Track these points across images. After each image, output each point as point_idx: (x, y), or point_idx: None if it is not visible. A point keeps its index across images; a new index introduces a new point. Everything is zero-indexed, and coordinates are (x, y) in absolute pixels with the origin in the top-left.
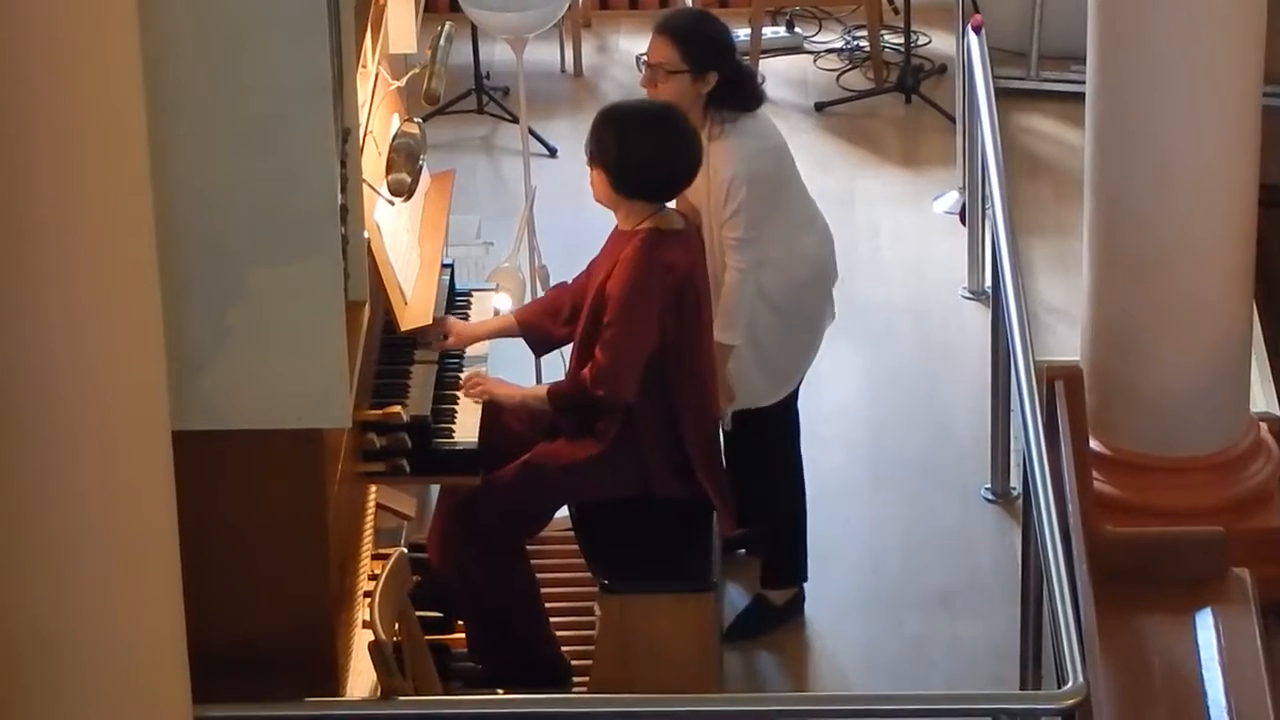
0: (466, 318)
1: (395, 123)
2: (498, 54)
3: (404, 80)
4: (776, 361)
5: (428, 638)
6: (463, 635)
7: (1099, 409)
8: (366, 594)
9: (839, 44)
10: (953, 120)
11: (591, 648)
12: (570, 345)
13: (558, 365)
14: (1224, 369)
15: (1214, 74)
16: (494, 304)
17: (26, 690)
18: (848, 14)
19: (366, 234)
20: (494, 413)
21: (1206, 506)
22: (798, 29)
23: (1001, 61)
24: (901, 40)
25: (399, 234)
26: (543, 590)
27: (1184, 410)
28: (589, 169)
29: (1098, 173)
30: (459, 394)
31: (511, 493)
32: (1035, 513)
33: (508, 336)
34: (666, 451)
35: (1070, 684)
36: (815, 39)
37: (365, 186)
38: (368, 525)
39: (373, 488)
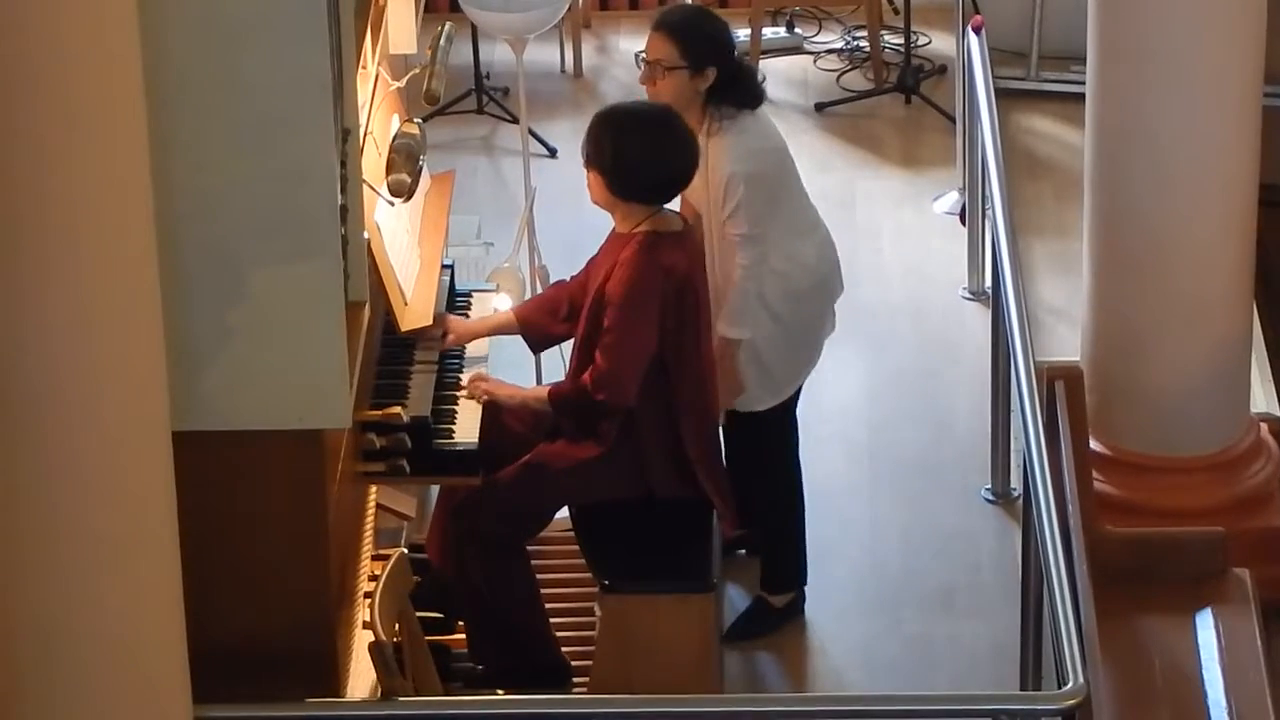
0: (466, 318)
1: (395, 123)
2: (498, 54)
3: (404, 81)
4: (772, 370)
5: (428, 638)
6: (463, 636)
7: (1099, 409)
8: (367, 594)
9: (839, 44)
10: (953, 121)
11: (591, 648)
12: (569, 342)
13: (558, 365)
14: (1224, 369)
15: (1214, 74)
16: (494, 304)
17: (27, 691)
18: (848, 14)
19: (367, 234)
20: (494, 413)
21: (1207, 506)
22: (798, 29)
23: (1001, 62)
24: (901, 40)
25: (399, 234)
26: (543, 590)
27: (1184, 410)
28: (585, 171)
29: (1098, 173)
30: (459, 394)
31: (512, 493)
32: (1035, 513)
33: (506, 334)
34: (667, 452)
35: (1070, 684)
36: (815, 39)
37: (365, 187)
38: (368, 526)
39: (373, 488)
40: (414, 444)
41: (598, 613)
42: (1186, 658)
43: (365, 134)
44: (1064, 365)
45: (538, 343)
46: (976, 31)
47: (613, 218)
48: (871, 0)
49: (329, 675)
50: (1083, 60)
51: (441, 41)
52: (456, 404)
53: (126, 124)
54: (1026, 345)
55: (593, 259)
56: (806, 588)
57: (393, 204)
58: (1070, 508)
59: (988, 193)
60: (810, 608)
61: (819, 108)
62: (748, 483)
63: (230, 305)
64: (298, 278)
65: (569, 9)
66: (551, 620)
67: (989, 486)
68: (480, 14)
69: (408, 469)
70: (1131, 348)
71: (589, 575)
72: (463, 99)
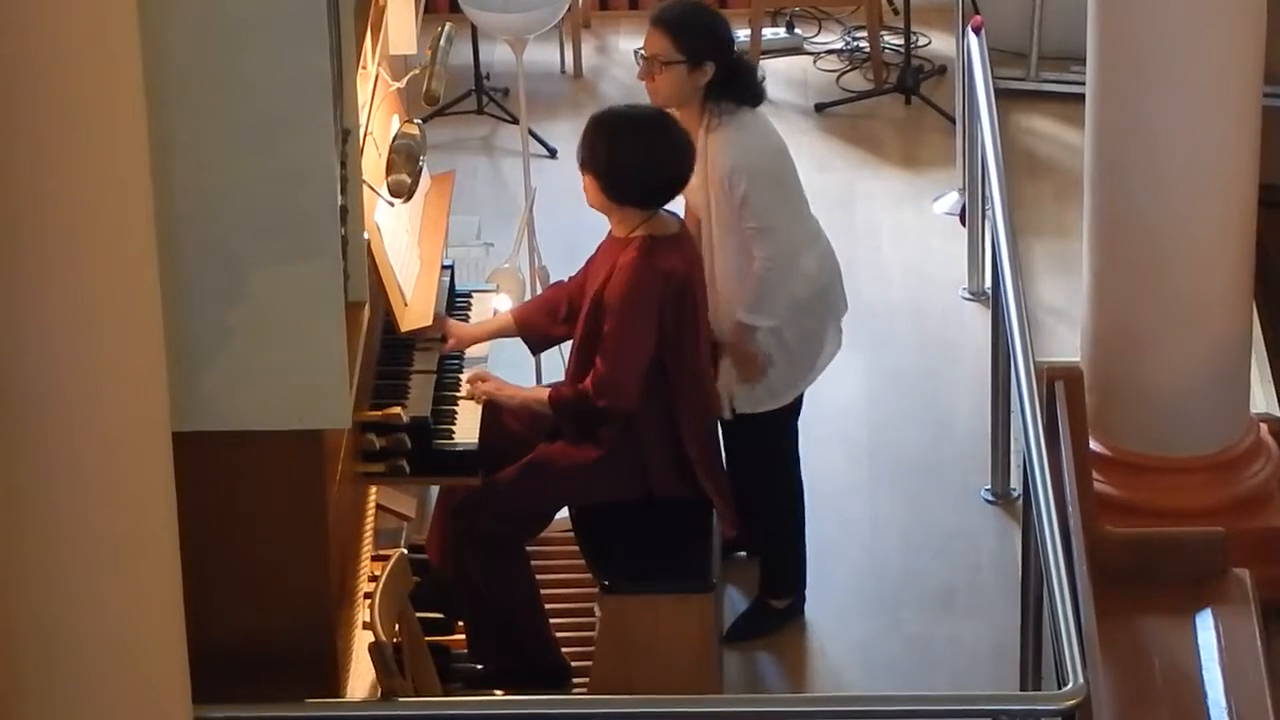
0: (466, 319)
1: (395, 124)
2: (498, 55)
3: (404, 81)
4: (769, 379)
5: (428, 639)
6: (463, 636)
7: (1099, 409)
8: (367, 595)
9: (839, 45)
10: (953, 121)
11: (591, 648)
12: (568, 343)
13: (558, 365)
14: (1224, 369)
15: (1214, 74)
16: (494, 305)
17: (27, 691)
18: (848, 15)
19: (366, 235)
20: (494, 414)
21: (1206, 507)
22: (798, 30)
23: (1001, 62)
24: (901, 41)
25: (399, 235)
26: (543, 591)
27: (1184, 410)
28: (581, 175)
29: (1098, 173)
30: (459, 395)
31: (512, 494)
32: (1035, 513)
33: (506, 336)
34: (667, 452)
35: (1070, 684)
36: (815, 40)
37: (365, 187)
38: (368, 526)
39: (373, 489)
40: (414, 444)
41: (598, 613)
42: (1186, 658)
43: (365, 134)
44: (1064, 365)
45: (537, 344)
46: (976, 32)
47: (609, 220)
48: (871, 1)
49: (329, 675)
50: (1083, 60)
51: (441, 42)
52: (456, 404)
53: (126, 124)
54: (1026, 345)
55: (590, 260)
56: (807, 588)
57: (393, 204)
58: (1070, 508)
59: (988, 193)
60: (810, 608)
61: (819, 108)
62: (747, 484)
63: (230, 305)
64: (298, 278)
65: (569, 9)
66: (551, 620)
67: (989, 487)
68: (480, 14)
69: (407, 469)
70: (1131, 348)
71: (589, 576)
72: (463, 99)
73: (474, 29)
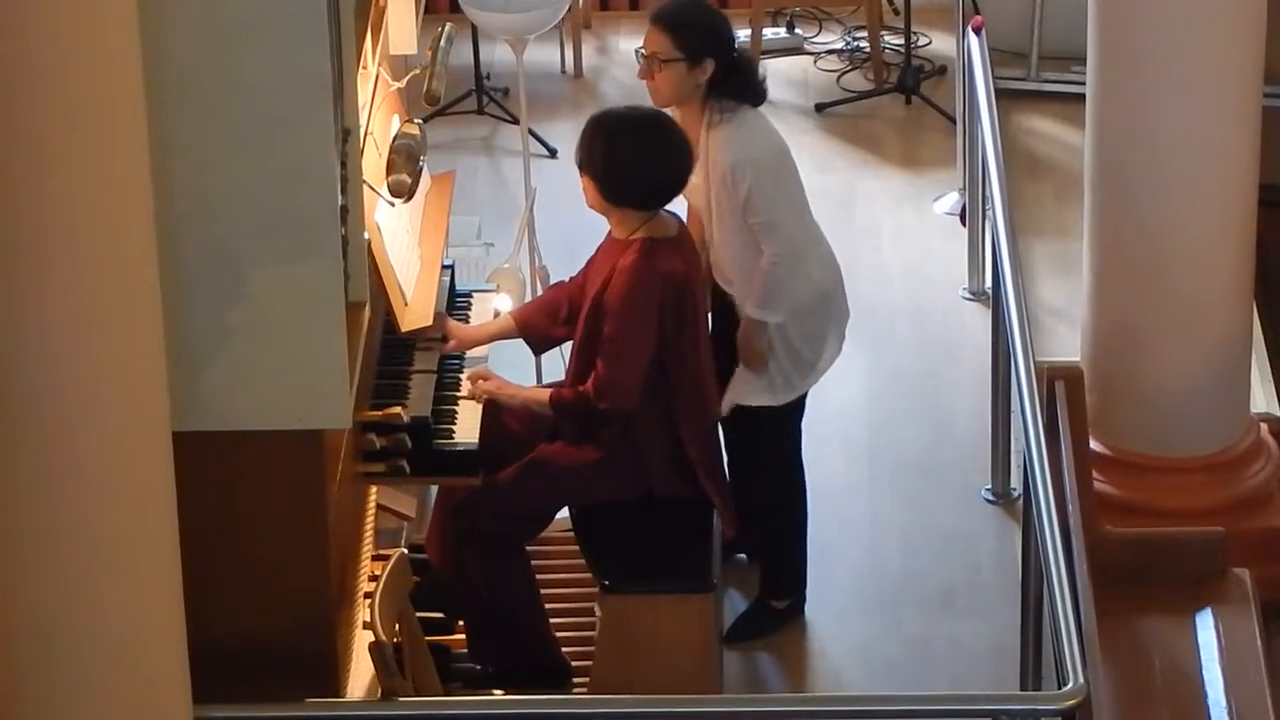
0: (467, 319)
1: (395, 124)
2: (498, 55)
3: (404, 81)
4: (768, 375)
5: (428, 638)
6: (463, 636)
7: (1099, 409)
8: (367, 595)
9: (839, 45)
10: (953, 121)
11: (592, 648)
12: (567, 343)
13: (558, 365)
14: (1224, 369)
15: (1214, 74)
16: (494, 305)
17: (27, 691)
18: (848, 15)
19: (367, 235)
20: (494, 413)
21: (1207, 507)
22: (798, 30)
23: (1002, 62)
24: (902, 41)
25: (399, 235)
26: (543, 590)
27: (1184, 410)
28: (580, 176)
29: (1098, 173)
30: (459, 394)
31: (512, 494)
32: (1035, 513)
33: (507, 338)
34: (667, 453)
35: (1070, 684)
36: (815, 40)
37: (366, 187)
38: (368, 526)
39: (373, 488)
40: (414, 444)
41: (598, 613)
42: (1186, 658)
43: (365, 134)
44: (1064, 365)
45: (538, 345)
46: (977, 32)
47: (608, 221)
48: (872, 1)
49: (329, 675)
50: (1083, 60)
51: (442, 42)
52: (456, 404)
53: (126, 124)
54: (1026, 345)
55: (591, 260)
56: (807, 588)
57: (393, 204)
58: (1070, 508)
59: (988, 193)
60: (810, 608)
61: (819, 108)
62: (748, 484)
63: (230, 305)
64: (298, 278)
65: (569, 9)
66: (551, 620)
67: (989, 486)
68: (480, 14)
69: (408, 469)
70: (1131, 348)
71: (589, 575)
72: (463, 99)
73: (474, 29)
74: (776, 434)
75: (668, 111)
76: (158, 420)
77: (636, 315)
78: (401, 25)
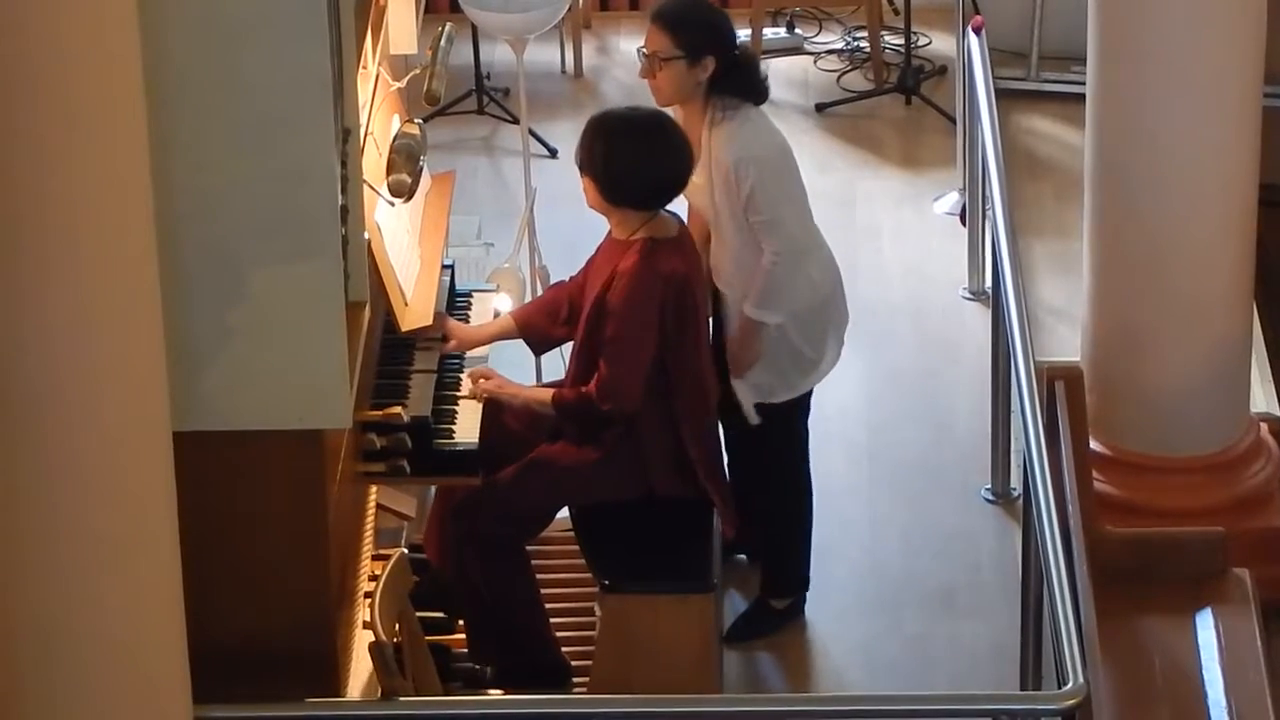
0: (467, 318)
1: (396, 123)
2: (498, 55)
3: (404, 81)
4: (765, 375)
5: (428, 638)
6: (463, 636)
7: (1099, 409)
8: (367, 594)
9: (839, 45)
10: (953, 121)
11: (592, 648)
12: (568, 343)
13: (558, 365)
14: (1224, 369)
15: (1214, 74)
16: (494, 305)
17: (27, 691)
18: (848, 15)
19: (367, 235)
20: (494, 413)
21: (1207, 506)
22: (798, 30)
23: (1002, 62)
24: (902, 41)
25: (399, 235)
26: (543, 590)
27: (1184, 410)
28: (580, 176)
29: (1098, 173)
30: (459, 394)
31: (513, 494)
32: (1035, 513)
33: (507, 338)
34: (668, 453)
35: (1070, 684)
36: (816, 40)
37: (366, 187)
38: (368, 526)
39: (373, 488)
40: (414, 444)
41: (598, 613)
42: (1186, 658)
43: (366, 134)
44: (1064, 365)
45: (539, 345)
46: (977, 32)
47: (609, 222)
48: (872, 1)
49: (329, 675)
50: (1083, 60)
51: (442, 42)
52: (457, 404)
53: (126, 124)
54: (1026, 345)
55: (590, 260)
56: (808, 589)
57: (393, 204)
58: (1070, 508)
59: (988, 193)
60: (810, 608)
61: (819, 108)
62: (750, 485)
63: (230, 305)
64: (298, 278)
65: (569, 9)
66: (551, 620)
67: (989, 486)
68: (480, 14)
69: (408, 469)
70: (1131, 348)
71: (589, 575)
72: (463, 99)
73: (474, 29)
74: (782, 434)
75: (670, 111)
76: (158, 420)
77: (638, 316)
78: (401, 25)
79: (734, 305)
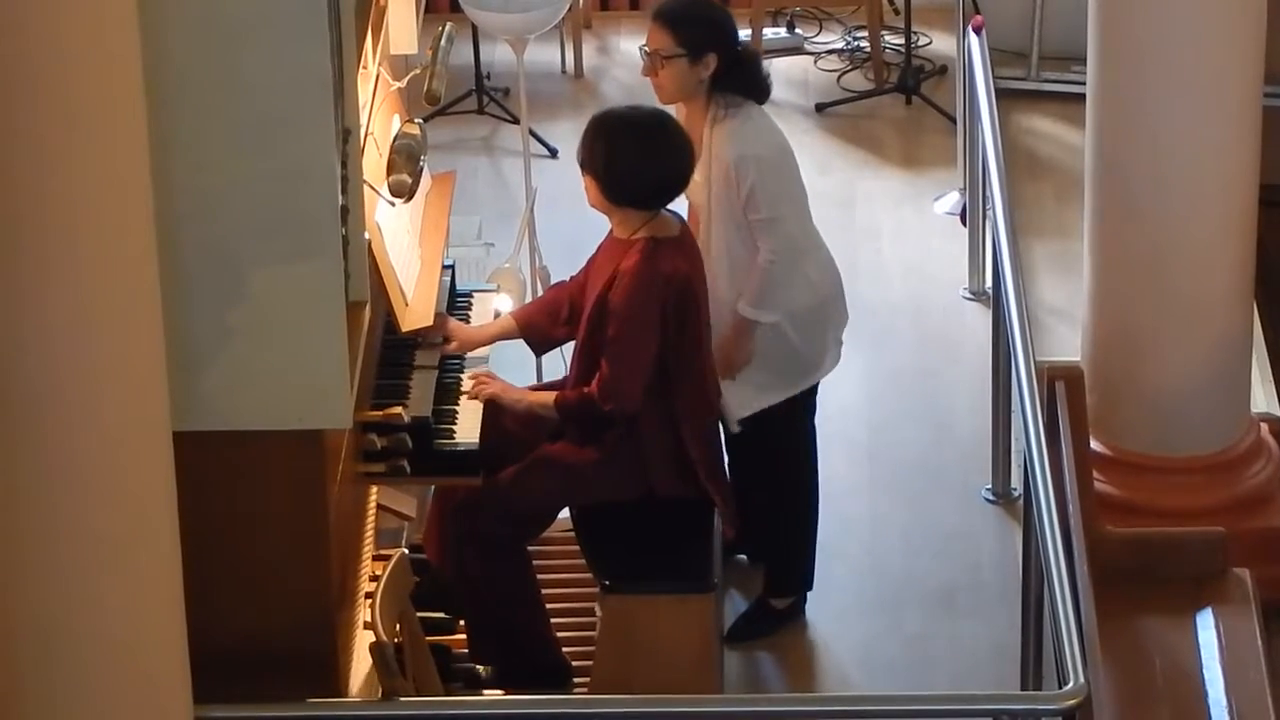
0: (467, 319)
1: (396, 124)
2: (498, 55)
3: (405, 81)
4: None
5: (429, 639)
6: (464, 636)
7: (1100, 409)
8: (368, 595)
9: (839, 45)
10: (953, 121)
11: (592, 648)
12: (569, 343)
13: (558, 365)
14: (1224, 369)
15: (1214, 74)
16: (495, 305)
17: (27, 691)
18: (848, 15)
19: (367, 235)
20: (494, 414)
21: (1207, 506)
22: (798, 30)
23: (1002, 62)
24: (902, 41)
25: (400, 235)
26: (543, 590)
27: (1184, 410)
28: (582, 175)
29: (1098, 173)
30: (460, 395)
31: (514, 494)
32: (1036, 513)
33: (508, 338)
34: (669, 453)
35: (1071, 684)
36: (816, 40)
37: (366, 187)
38: (369, 526)
39: (373, 489)
40: (415, 444)
41: (598, 613)
42: (1187, 658)
43: (366, 134)
44: (1064, 365)
45: (539, 346)
46: (977, 32)
47: (610, 221)
48: (872, 1)
49: (329, 675)
50: (1083, 60)
51: (442, 42)
52: (457, 404)
53: (126, 124)
54: (1027, 345)
55: (591, 259)
56: (810, 590)
57: (393, 204)
58: (1070, 508)
59: (988, 193)
60: (811, 608)
61: (819, 108)
62: (752, 484)
63: (230, 305)
64: (298, 278)
65: (570, 9)
66: (552, 620)
67: (989, 486)
68: (481, 14)
69: (408, 469)
70: (1132, 348)
71: (589, 575)
72: (463, 99)
73: (475, 29)
74: (788, 433)
75: (672, 109)
76: (158, 420)
77: (640, 316)
78: (402, 25)
79: (725, 305)
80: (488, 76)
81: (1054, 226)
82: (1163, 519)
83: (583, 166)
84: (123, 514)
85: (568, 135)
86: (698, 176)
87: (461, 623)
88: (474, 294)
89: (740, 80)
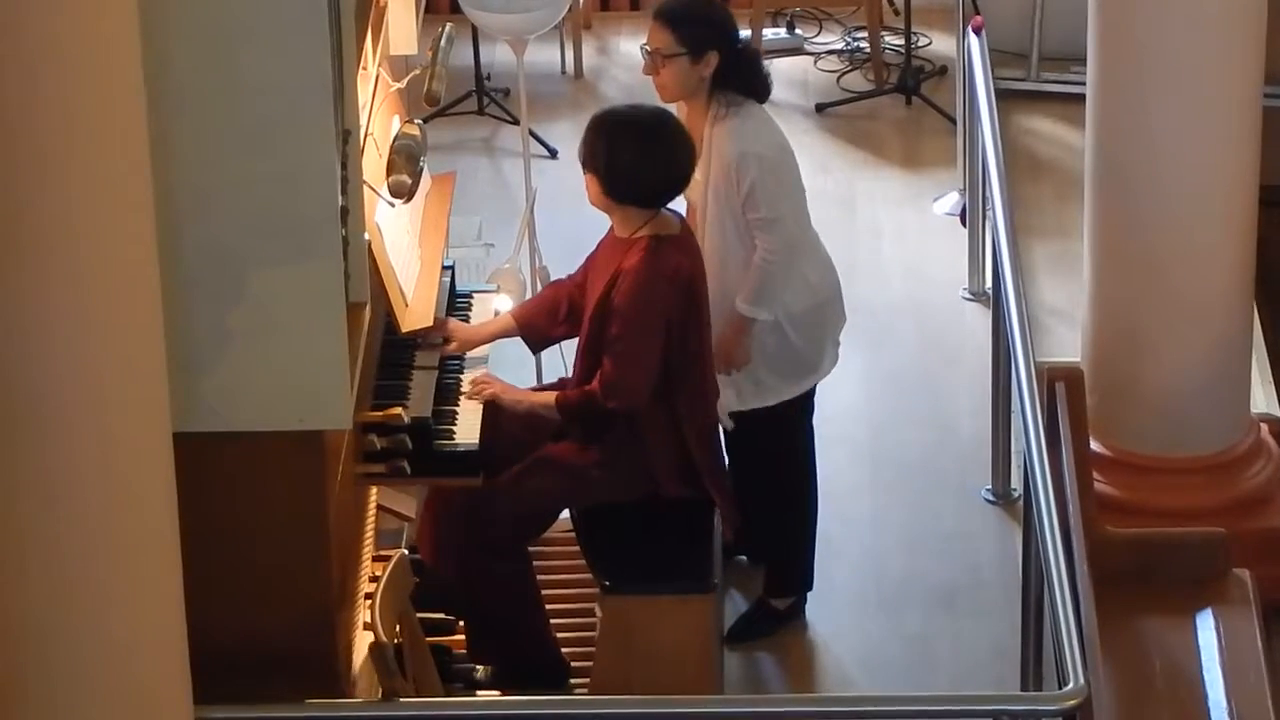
0: (467, 319)
1: (396, 124)
2: (498, 55)
3: (405, 82)
4: (762, 375)
5: (429, 639)
6: (463, 637)
7: (1100, 410)
8: (368, 595)
9: (839, 45)
10: (953, 121)
11: (592, 649)
12: (568, 342)
13: (559, 365)
14: (1224, 369)
15: (1214, 74)
16: (495, 305)
17: (27, 691)
18: (848, 15)
19: (367, 235)
20: (494, 414)
21: (1207, 507)
22: (798, 30)
23: (1002, 63)
24: (902, 41)
25: (400, 235)
26: (544, 591)
27: (1184, 411)
28: (583, 174)
29: (1098, 174)
30: (460, 395)
31: (516, 495)
32: (1036, 513)
33: (507, 337)
34: (671, 453)
35: (1071, 685)
36: (816, 40)
37: (366, 188)
38: (369, 527)
39: (373, 489)
40: (415, 445)
41: (598, 614)
42: (1187, 658)
43: (366, 135)
44: (1064, 366)
45: (537, 344)
46: (977, 32)
47: (611, 220)
48: (872, 1)
49: (330, 676)
50: (1083, 61)
51: (442, 42)
52: (457, 405)
53: (126, 124)
54: (1027, 346)
55: (591, 258)
56: (810, 590)
57: (393, 205)
58: (1071, 508)
59: (988, 193)
60: (812, 609)
61: (819, 108)
62: (751, 485)
63: (231, 306)
64: (298, 279)
65: (570, 10)
66: (552, 621)
67: (989, 487)
68: (481, 15)
69: (408, 470)
70: (1132, 348)
71: (589, 576)
72: (463, 100)
73: (475, 29)
74: (787, 434)
75: (673, 108)
76: (158, 421)
77: (644, 314)
78: (402, 26)
79: (723, 303)
80: (488, 77)
81: (1054, 227)
82: (1163, 519)
83: (584, 165)
84: (123, 515)
85: (567, 136)
86: (697, 175)
87: (461, 623)
88: (474, 294)
89: (741, 79)
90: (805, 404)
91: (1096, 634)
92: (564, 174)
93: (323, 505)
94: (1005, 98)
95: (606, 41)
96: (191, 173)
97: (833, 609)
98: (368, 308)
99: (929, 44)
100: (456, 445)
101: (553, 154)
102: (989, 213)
